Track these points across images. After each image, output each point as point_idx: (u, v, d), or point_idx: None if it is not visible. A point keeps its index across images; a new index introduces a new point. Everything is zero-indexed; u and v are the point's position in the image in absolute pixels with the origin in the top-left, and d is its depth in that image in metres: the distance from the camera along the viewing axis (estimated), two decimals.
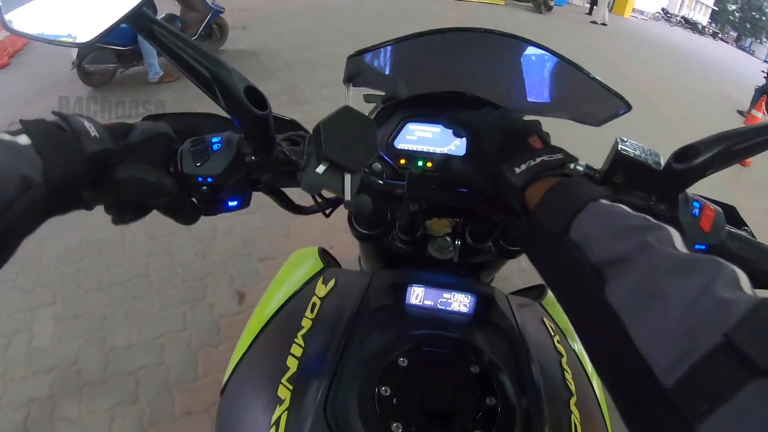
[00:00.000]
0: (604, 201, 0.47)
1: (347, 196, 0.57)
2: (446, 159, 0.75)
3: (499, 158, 0.57)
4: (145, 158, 0.56)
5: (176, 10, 5.69)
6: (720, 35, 30.65)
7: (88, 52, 4.54)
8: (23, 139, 0.44)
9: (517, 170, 0.54)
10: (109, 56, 4.72)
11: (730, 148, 0.58)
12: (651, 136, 5.18)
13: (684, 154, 0.58)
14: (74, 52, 4.52)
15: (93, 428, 1.91)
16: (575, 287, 0.45)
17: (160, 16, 5.11)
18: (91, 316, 2.39)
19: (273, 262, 2.71)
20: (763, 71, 8.85)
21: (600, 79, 0.78)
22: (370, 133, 0.58)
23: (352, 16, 8.51)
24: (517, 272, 2.79)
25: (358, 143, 0.57)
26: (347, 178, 0.57)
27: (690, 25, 27.19)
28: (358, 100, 0.61)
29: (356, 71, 0.59)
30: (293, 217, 2.96)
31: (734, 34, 33.88)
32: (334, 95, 5.10)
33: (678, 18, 27.23)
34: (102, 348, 2.22)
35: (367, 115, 0.60)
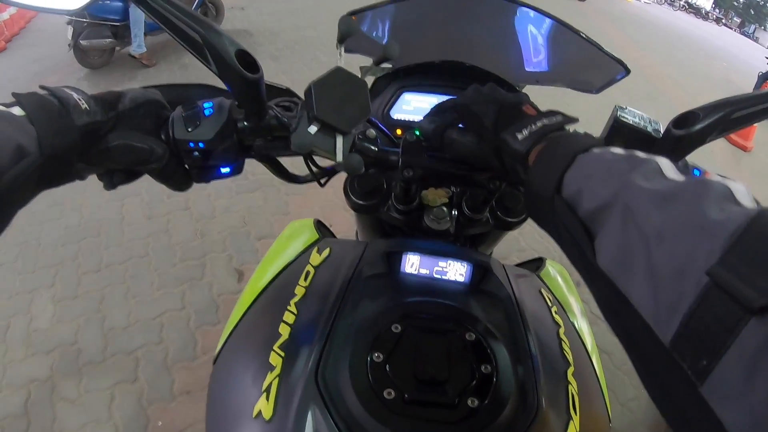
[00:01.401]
0: (595, 150, 0.45)
1: (339, 157, 0.56)
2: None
3: (498, 127, 0.56)
4: (135, 125, 0.56)
5: None
6: (723, 21, 30.44)
7: (82, 29, 4.50)
8: (17, 110, 0.45)
9: (520, 136, 0.53)
10: (103, 32, 4.66)
11: (730, 115, 0.57)
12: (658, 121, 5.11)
13: (684, 119, 0.57)
14: (69, 32, 4.48)
15: (93, 408, 1.92)
16: (570, 253, 0.44)
17: None
18: (90, 296, 2.39)
19: (271, 241, 2.70)
20: (766, 57, 8.81)
21: (597, 42, 0.77)
22: (362, 94, 0.57)
23: None
24: (516, 252, 2.79)
25: (350, 104, 0.56)
26: (339, 139, 0.56)
27: (693, 10, 27.01)
28: (350, 63, 0.60)
29: (349, 31, 0.58)
30: (292, 194, 3.00)
31: (738, 20, 33.60)
32: (337, 56, 5.06)
33: (681, 2, 27.02)
34: (101, 328, 2.23)
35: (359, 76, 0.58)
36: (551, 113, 0.54)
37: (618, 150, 0.44)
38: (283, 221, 2.85)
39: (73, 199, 2.93)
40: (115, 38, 4.82)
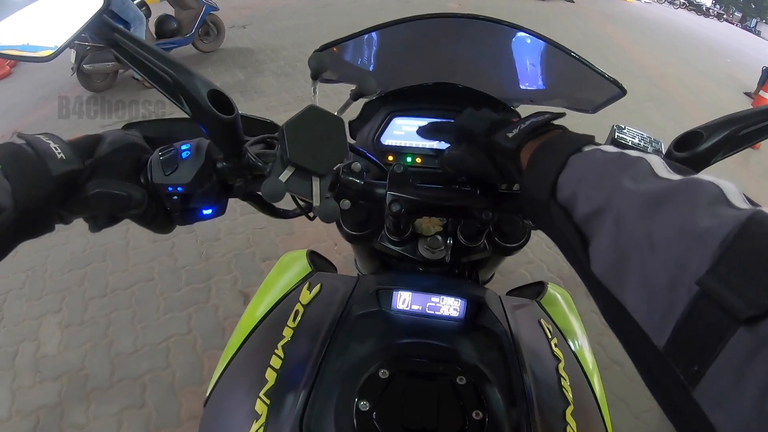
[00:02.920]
0: (586, 149, 0.44)
1: (315, 202, 0.53)
2: (436, 152, 0.73)
3: (490, 133, 0.55)
4: (113, 172, 0.55)
5: (170, 11, 5.67)
6: (725, 16, 30.27)
7: (85, 53, 4.54)
8: None
9: (509, 135, 0.52)
10: (106, 55, 4.69)
11: (737, 133, 0.55)
12: (658, 121, 5.13)
13: (686, 140, 0.55)
14: (73, 56, 4.53)
15: None
16: (568, 257, 0.43)
17: (154, 17, 5.12)
18: (96, 321, 2.39)
19: (276, 262, 2.70)
20: None
21: (593, 63, 0.75)
22: (338, 133, 0.54)
23: (353, 10, 8.45)
24: (524, 264, 2.76)
25: (326, 145, 0.53)
26: (315, 182, 0.53)
27: (694, 7, 26.90)
28: (327, 98, 0.58)
29: (321, 67, 0.56)
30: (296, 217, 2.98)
31: (739, 14, 33.42)
32: (336, 91, 5.05)
33: (681, 0, 26.93)
34: (108, 353, 2.23)
35: (335, 114, 0.56)
36: (539, 113, 0.53)
37: (609, 149, 0.43)
38: (287, 242, 2.86)
39: (78, 224, 2.86)
40: (117, 61, 4.85)
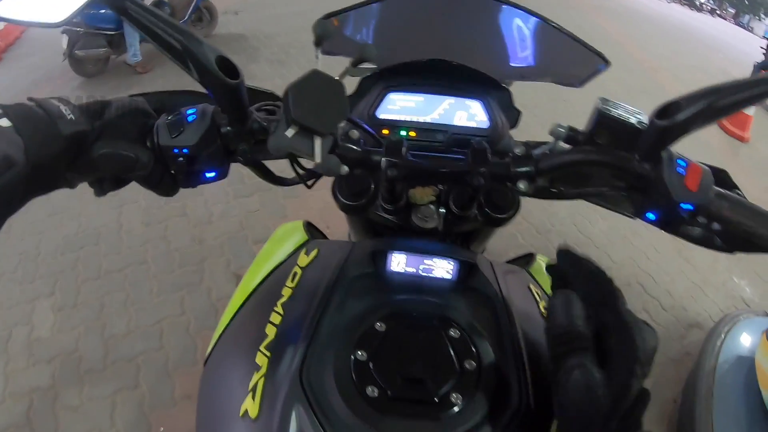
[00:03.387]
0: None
1: (317, 159, 0.55)
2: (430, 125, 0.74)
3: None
4: (120, 134, 0.57)
5: None
6: (718, 11, 30.34)
7: (78, 38, 4.52)
8: (4, 122, 0.46)
9: None
10: (98, 41, 4.68)
11: (714, 103, 0.57)
12: None
13: (666, 110, 0.57)
14: (64, 41, 4.51)
15: (95, 415, 1.94)
16: None
17: (148, 2, 5.09)
18: (89, 304, 2.41)
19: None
20: (762, 47, 8.79)
21: (577, 35, 0.77)
22: (339, 95, 0.57)
23: None
24: (514, 248, 2.79)
25: (328, 106, 0.56)
26: (317, 141, 0.56)
27: (687, 1, 26.93)
28: (330, 68, 0.60)
29: (325, 34, 0.59)
30: (289, 197, 3.00)
31: (732, 10, 33.53)
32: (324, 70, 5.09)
33: None
34: (101, 335, 2.25)
35: (337, 78, 0.58)
36: None
37: None
38: (280, 224, 2.85)
39: (70, 207, 2.93)
40: (110, 47, 4.84)
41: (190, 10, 5.45)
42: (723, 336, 2.15)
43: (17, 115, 0.47)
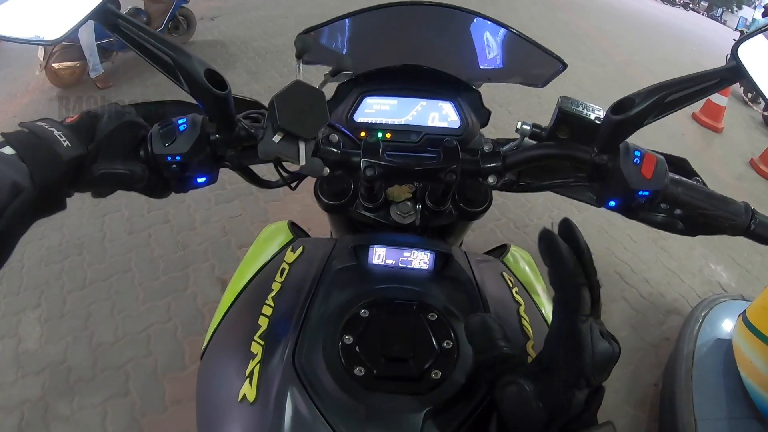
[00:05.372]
0: None
1: (302, 161, 0.61)
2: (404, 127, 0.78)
3: None
4: (115, 152, 0.59)
5: (140, 4, 5.60)
6: (691, 5, 30.86)
7: (54, 50, 4.48)
8: (7, 150, 0.49)
9: None
10: (74, 53, 4.65)
11: (664, 99, 0.62)
12: None
13: (621, 105, 0.62)
14: (41, 53, 4.46)
15: (86, 424, 1.94)
16: None
17: (124, 10, 5.05)
18: (76, 314, 2.40)
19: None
20: (734, 39, 8.96)
21: (543, 44, 0.83)
22: (320, 103, 0.63)
23: (321, 1, 8.45)
24: (494, 243, 2.84)
25: (310, 113, 0.62)
26: (301, 145, 0.62)
27: None
28: (310, 75, 0.65)
29: (305, 47, 0.65)
30: (270, 201, 3.03)
31: (705, 3, 34.09)
32: (305, 80, 5.08)
33: None
34: (90, 345, 2.25)
35: (317, 87, 0.64)
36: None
37: None
38: (262, 228, 2.87)
39: (53, 219, 2.73)
40: (85, 59, 4.80)
41: (166, 18, 5.42)
42: (701, 320, 2.22)
43: (19, 143, 0.50)
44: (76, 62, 4.68)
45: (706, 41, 12.93)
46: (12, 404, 2.02)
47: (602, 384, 0.47)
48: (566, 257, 0.44)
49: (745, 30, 7.58)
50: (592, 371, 0.44)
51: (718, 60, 8.50)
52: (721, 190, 0.67)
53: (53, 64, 4.56)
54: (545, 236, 0.45)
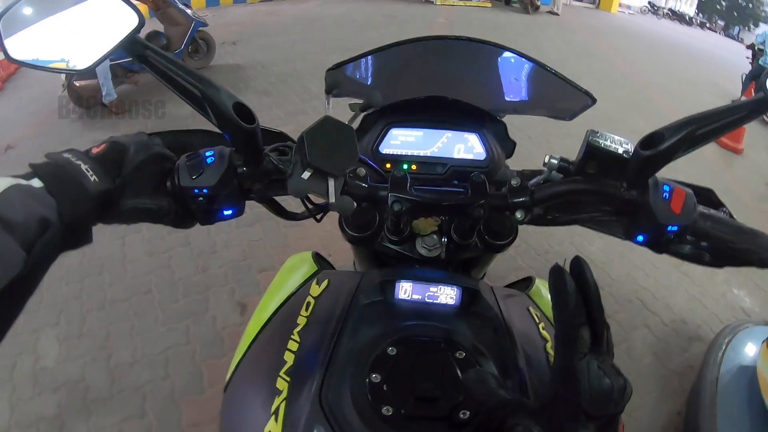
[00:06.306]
0: None
1: (331, 199, 0.61)
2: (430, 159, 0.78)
3: None
4: (142, 188, 0.60)
5: (159, 27, 5.70)
6: (708, 25, 30.72)
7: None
8: (35, 182, 0.49)
9: None
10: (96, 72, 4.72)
11: (694, 132, 0.61)
12: (642, 128, 5.03)
13: (650, 140, 0.61)
14: (64, 74, 4.55)
15: None
16: None
17: (144, 34, 5.15)
18: (95, 334, 2.41)
19: (272, 273, 2.73)
20: (747, 57, 8.92)
21: (567, 76, 0.83)
22: (350, 140, 0.63)
23: (341, 26, 8.55)
24: (514, 270, 2.82)
25: (340, 150, 0.61)
26: (331, 182, 0.61)
27: (677, 16, 27.26)
28: (338, 109, 0.65)
29: (335, 83, 0.65)
30: (290, 227, 3.03)
31: (722, 23, 33.98)
32: (326, 106, 5.11)
33: (665, 10, 27.29)
34: (107, 365, 2.25)
35: (347, 123, 0.64)
36: None
37: None
38: (282, 253, 2.90)
39: None
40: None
41: (185, 41, 5.52)
42: (724, 347, 2.16)
43: (47, 175, 0.50)
44: (96, 80, 4.75)
45: (722, 60, 12.84)
46: (28, 421, 2.01)
47: (619, 416, 0.46)
48: (569, 295, 0.44)
49: (761, 47, 7.49)
50: (590, 406, 0.43)
51: (734, 77, 8.43)
52: (742, 212, 0.66)
53: (75, 83, 4.65)
54: (554, 273, 0.45)
